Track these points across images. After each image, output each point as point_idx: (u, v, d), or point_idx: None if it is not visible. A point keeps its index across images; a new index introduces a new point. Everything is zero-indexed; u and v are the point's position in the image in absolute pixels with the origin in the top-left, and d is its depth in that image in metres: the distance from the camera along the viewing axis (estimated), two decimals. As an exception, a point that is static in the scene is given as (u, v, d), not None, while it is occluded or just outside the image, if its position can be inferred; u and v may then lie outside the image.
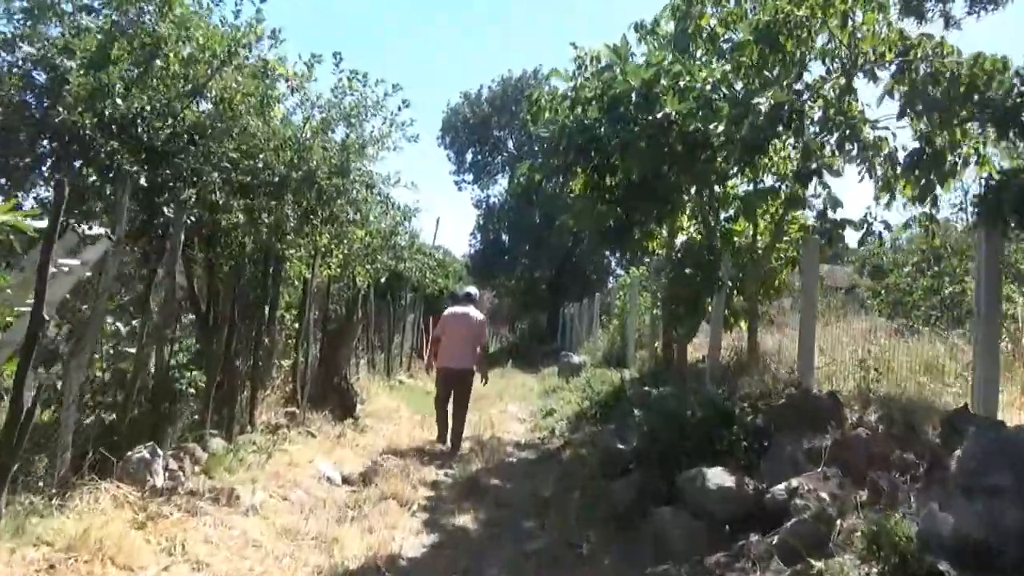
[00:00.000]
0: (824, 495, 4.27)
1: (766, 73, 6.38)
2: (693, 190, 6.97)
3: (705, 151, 5.91)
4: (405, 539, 5.02)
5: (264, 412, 7.39)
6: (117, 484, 4.44)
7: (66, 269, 4.25)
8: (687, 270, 6.23)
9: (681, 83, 5.95)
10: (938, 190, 6.28)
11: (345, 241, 9.14)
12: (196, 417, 5.93)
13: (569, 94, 6.51)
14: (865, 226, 7.28)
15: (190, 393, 6.30)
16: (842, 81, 6.58)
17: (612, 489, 5.73)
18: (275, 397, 7.80)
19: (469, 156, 36.10)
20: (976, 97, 5.58)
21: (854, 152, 6.74)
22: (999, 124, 4.97)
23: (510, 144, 34.84)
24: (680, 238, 8.54)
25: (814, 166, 5.59)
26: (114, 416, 4.99)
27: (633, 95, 6.03)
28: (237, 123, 6.20)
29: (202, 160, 5.99)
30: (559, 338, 27.01)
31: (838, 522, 3.98)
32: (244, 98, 6.30)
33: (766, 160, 7.04)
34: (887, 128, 7.07)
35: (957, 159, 6.44)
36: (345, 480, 6.56)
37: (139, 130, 5.67)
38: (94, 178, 5.28)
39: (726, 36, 7.16)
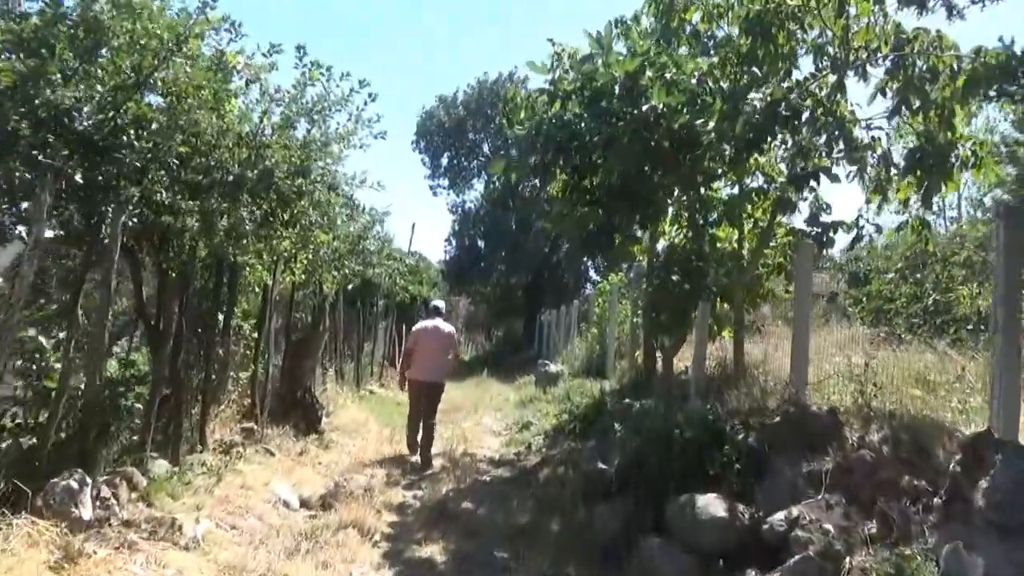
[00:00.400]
0: (828, 526, 3.87)
1: (755, 69, 6.03)
2: (676, 191, 6.55)
3: (693, 149, 5.50)
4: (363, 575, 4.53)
5: (218, 429, 6.85)
6: (33, 520, 3.90)
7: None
8: (674, 277, 5.79)
9: (667, 75, 5.53)
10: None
11: (311, 246, 8.68)
12: (135, 438, 5.38)
13: (547, 87, 6.05)
14: (856, 229, 6.98)
15: (138, 410, 5.76)
16: (832, 79, 6.24)
17: (594, 515, 5.29)
18: (231, 412, 7.25)
19: (444, 160, 35.58)
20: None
21: (843, 153, 6.43)
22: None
23: (486, 148, 34.35)
24: (661, 243, 8.16)
25: (810, 168, 5.18)
26: (34, 440, 4.43)
27: (616, 88, 5.59)
28: (186, 117, 5.69)
29: (147, 157, 5.49)
30: (536, 346, 26.54)
31: (846, 560, 3.58)
32: (195, 91, 5.81)
33: (751, 161, 6.67)
34: (880, 128, 6.79)
35: (954, 160, 6.16)
36: (304, 503, 6.05)
37: (75, 123, 5.15)
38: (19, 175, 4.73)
39: (709, 32, 6.80)
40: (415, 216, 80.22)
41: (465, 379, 18.83)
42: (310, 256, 8.86)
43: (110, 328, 8.68)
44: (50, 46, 4.99)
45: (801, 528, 3.91)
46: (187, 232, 5.82)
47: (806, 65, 6.85)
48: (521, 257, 31.63)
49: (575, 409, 8.89)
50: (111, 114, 5.39)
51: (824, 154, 6.34)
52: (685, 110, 5.41)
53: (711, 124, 5.28)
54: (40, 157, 4.72)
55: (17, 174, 4.81)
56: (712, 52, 6.62)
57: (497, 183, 32.54)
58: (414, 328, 9.02)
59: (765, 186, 7.01)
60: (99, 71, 5.46)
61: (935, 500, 3.68)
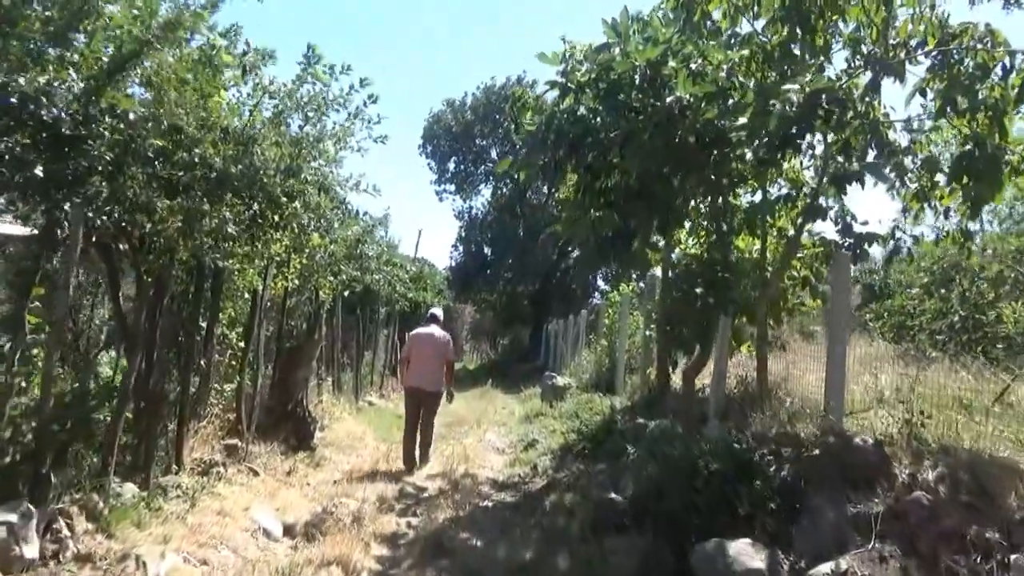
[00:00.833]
0: (884, 584, 3.33)
1: (785, 66, 5.52)
2: (699, 195, 6.02)
3: (722, 147, 4.97)
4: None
5: (198, 447, 6.32)
6: (-38, 561, 3.39)
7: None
8: (697, 289, 5.24)
9: (692, 66, 5.01)
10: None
11: (307, 251, 8.20)
12: (95, 460, 4.86)
13: (559, 80, 5.52)
14: (893, 241, 6.45)
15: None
16: (866, 75, 5.73)
17: (606, 551, 4.74)
18: (212, 428, 6.71)
19: (451, 166, 35.10)
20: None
21: (879, 158, 5.91)
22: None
23: (493, 153, 33.80)
24: (677, 252, 7.63)
25: (856, 167, 4.65)
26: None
27: (636, 78, 5.07)
28: (165, 108, 5.20)
29: (121, 150, 5.01)
30: (542, 356, 25.94)
31: (910, 627, 3.04)
32: (180, 85, 5.35)
33: (776, 167, 6.14)
34: (919, 131, 6.26)
35: (1004, 167, 5.64)
36: (287, 531, 5.52)
37: (40, 110, 4.67)
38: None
39: (729, 31, 6.29)
40: (421, 222, 79.95)
41: (469, 389, 18.31)
42: (304, 260, 8.38)
43: (100, 336, 8.20)
44: (11, 20, 4.51)
45: (851, 584, 3.38)
46: (164, 233, 5.32)
47: (837, 62, 6.33)
48: (528, 265, 31.06)
49: (584, 427, 8.35)
50: (82, 101, 4.93)
51: (856, 158, 5.84)
52: (713, 104, 4.87)
53: (741, 119, 4.75)
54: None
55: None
56: (735, 49, 6.13)
57: (504, 189, 32.07)
58: (409, 335, 9.05)
59: (793, 192, 6.49)
60: (74, 55, 5.01)
61: (1013, 557, 3.14)
